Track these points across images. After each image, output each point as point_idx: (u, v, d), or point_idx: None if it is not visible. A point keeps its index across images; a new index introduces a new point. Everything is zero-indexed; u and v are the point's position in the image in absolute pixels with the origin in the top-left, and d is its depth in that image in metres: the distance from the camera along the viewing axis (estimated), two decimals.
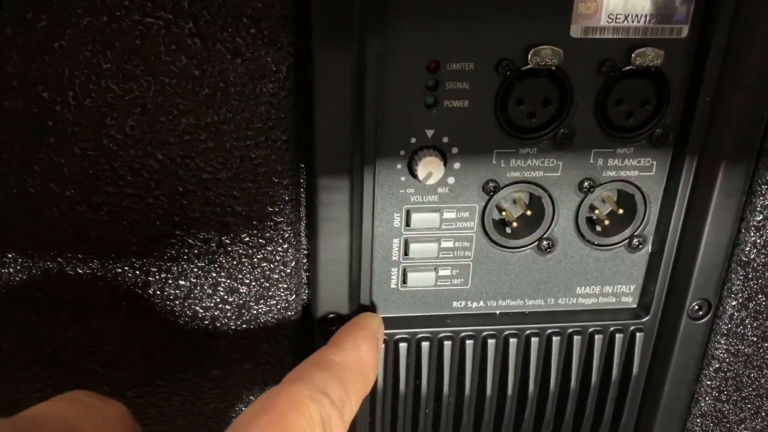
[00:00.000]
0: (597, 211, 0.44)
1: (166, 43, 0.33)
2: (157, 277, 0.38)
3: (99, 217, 0.37)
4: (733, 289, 0.44)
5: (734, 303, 0.44)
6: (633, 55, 0.39)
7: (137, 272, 0.38)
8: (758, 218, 0.42)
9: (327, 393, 0.34)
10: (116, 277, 0.38)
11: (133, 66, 0.34)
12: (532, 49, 0.38)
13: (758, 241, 0.42)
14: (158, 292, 0.39)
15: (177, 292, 0.39)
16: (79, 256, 0.37)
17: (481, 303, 0.45)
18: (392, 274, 0.44)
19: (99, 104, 0.34)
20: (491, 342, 0.45)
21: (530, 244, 0.44)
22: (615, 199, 0.44)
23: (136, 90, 0.34)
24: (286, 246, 0.39)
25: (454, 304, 0.45)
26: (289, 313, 0.41)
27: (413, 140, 0.40)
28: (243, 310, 0.40)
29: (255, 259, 0.38)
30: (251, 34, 0.34)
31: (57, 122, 0.34)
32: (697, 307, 0.45)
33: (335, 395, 0.34)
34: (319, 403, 0.33)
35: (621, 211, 0.44)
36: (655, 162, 0.42)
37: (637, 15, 0.38)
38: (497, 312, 0.46)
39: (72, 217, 0.36)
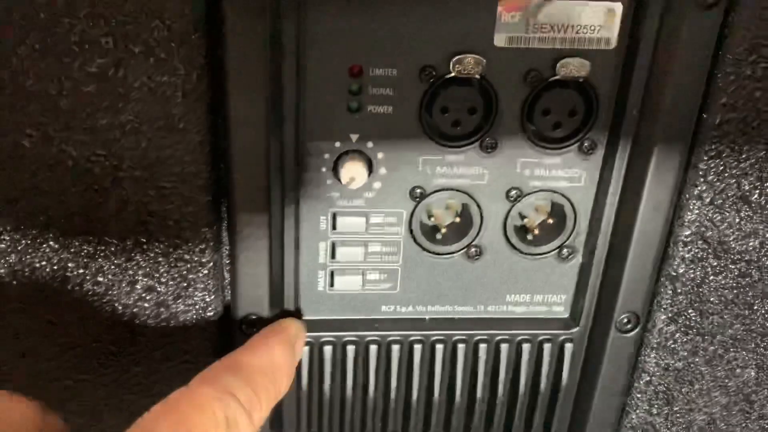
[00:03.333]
0: (527, 220, 0.44)
1: (79, 43, 0.34)
2: (75, 272, 0.39)
3: (15, 211, 0.37)
4: (662, 303, 0.44)
5: (663, 317, 0.44)
6: (558, 66, 0.39)
7: (55, 267, 0.38)
8: (686, 233, 0.42)
9: (234, 394, 0.34)
10: (33, 272, 0.38)
11: (45, 64, 0.34)
12: (455, 58, 0.38)
13: (687, 256, 0.42)
14: (77, 288, 0.39)
15: (95, 288, 0.39)
16: None
17: (410, 308, 0.45)
18: (319, 276, 0.44)
19: (12, 101, 0.34)
20: (417, 347, 0.45)
21: (458, 251, 0.44)
22: (548, 209, 0.44)
23: (50, 88, 0.34)
24: (203, 246, 0.39)
25: (383, 308, 0.45)
26: (209, 314, 0.41)
27: (337, 144, 0.40)
28: (162, 308, 0.40)
29: (171, 259, 0.39)
30: (164, 36, 0.34)
31: None
32: (625, 320, 0.44)
33: (243, 397, 0.34)
34: (224, 404, 0.33)
35: (551, 220, 0.43)
36: (584, 172, 0.42)
37: (563, 25, 0.38)
38: (426, 317, 0.46)
39: None
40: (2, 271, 0.38)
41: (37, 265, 0.38)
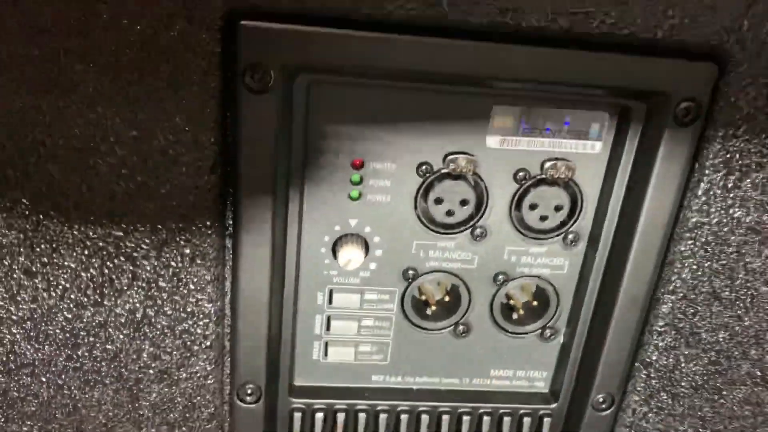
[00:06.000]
0: (513, 300, 0.46)
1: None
2: (86, 340, 0.41)
3: (34, 284, 0.39)
4: (637, 386, 0.46)
5: (637, 398, 0.47)
6: (546, 167, 0.41)
7: (67, 335, 0.41)
8: (660, 323, 0.44)
9: None
10: (47, 338, 0.41)
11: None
12: (449, 157, 0.41)
13: (660, 344, 0.45)
14: (86, 354, 0.41)
15: (104, 354, 0.42)
16: (13, 318, 0.40)
17: (399, 378, 0.48)
18: (314, 346, 0.46)
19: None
20: (404, 417, 0.47)
21: (446, 328, 0.46)
22: (533, 290, 0.46)
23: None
24: (206, 321, 0.41)
25: (374, 377, 0.48)
26: (209, 381, 0.43)
27: (337, 228, 0.43)
28: (165, 375, 0.43)
29: (177, 331, 0.41)
30: (185, 139, 0.36)
31: None
32: (601, 399, 0.47)
33: None
34: None
35: (535, 303, 0.46)
36: (567, 261, 0.45)
37: (552, 131, 0.41)
38: (414, 388, 0.48)
39: (9, 278, 0.39)
40: (18, 336, 0.41)
41: (50, 331, 0.41)
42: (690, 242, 0.42)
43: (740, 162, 0.39)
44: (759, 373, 0.46)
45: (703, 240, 0.41)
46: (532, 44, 0.36)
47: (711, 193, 0.40)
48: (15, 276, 0.39)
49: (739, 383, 0.47)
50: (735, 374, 0.46)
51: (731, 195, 0.40)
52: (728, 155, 0.39)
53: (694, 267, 0.42)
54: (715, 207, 0.41)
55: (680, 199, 0.41)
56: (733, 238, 0.41)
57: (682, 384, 0.46)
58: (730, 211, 0.41)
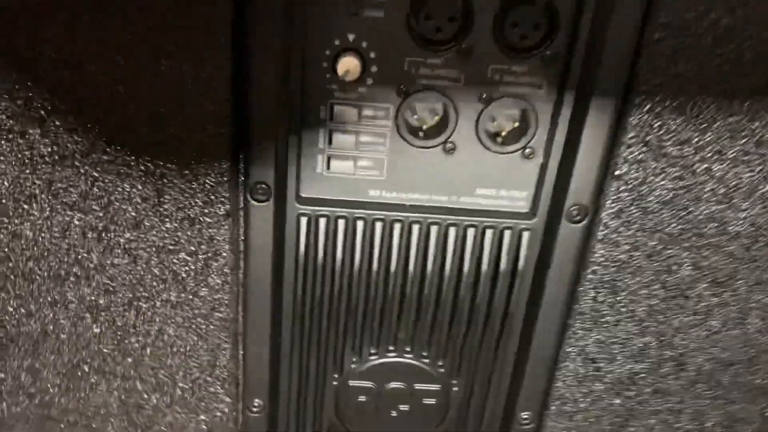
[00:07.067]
0: (495, 122, 0.51)
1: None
2: (116, 136, 0.47)
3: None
4: (607, 199, 0.51)
5: (608, 212, 0.51)
6: None
7: (100, 131, 0.47)
8: (630, 135, 0.49)
9: None
10: (85, 131, 0.47)
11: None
12: None
13: (629, 156, 0.49)
14: (118, 148, 0.48)
15: (132, 145, 0.48)
16: (60, 109, 0.46)
17: (394, 194, 0.53)
18: (318, 159, 0.52)
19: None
20: (397, 226, 0.53)
21: (436, 146, 0.52)
22: (517, 114, 0.51)
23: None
24: (222, 129, 0.47)
25: (371, 192, 0.53)
26: (225, 179, 0.49)
27: (337, 42, 0.48)
28: (185, 171, 0.49)
29: (192, 136, 0.47)
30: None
31: None
32: (575, 211, 0.52)
33: None
34: None
35: (516, 123, 0.51)
36: (545, 81, 0.50)
37: None
38: (407, 203, 0.53)
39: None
40: (62, 128, 0.47)
41: (85, 127, 0.47)
42: (655, 57, 0.46)
43: None
44: (722, 191, 0.51)
45: (669, 52, 0.46)
46: None
47: (672, 5, 0.44)
48: None
49: (704, 200, 0.51)
50: (699, 190, 0.51)
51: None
52: None
53: (660, 80, 0.47)
54: (677, 18, 0.45)
55: (646, 12, 0.45)
56: (699, 53, 0.45)
57: (650, 199, 0.51)
58: (692, 26, 0.45)
